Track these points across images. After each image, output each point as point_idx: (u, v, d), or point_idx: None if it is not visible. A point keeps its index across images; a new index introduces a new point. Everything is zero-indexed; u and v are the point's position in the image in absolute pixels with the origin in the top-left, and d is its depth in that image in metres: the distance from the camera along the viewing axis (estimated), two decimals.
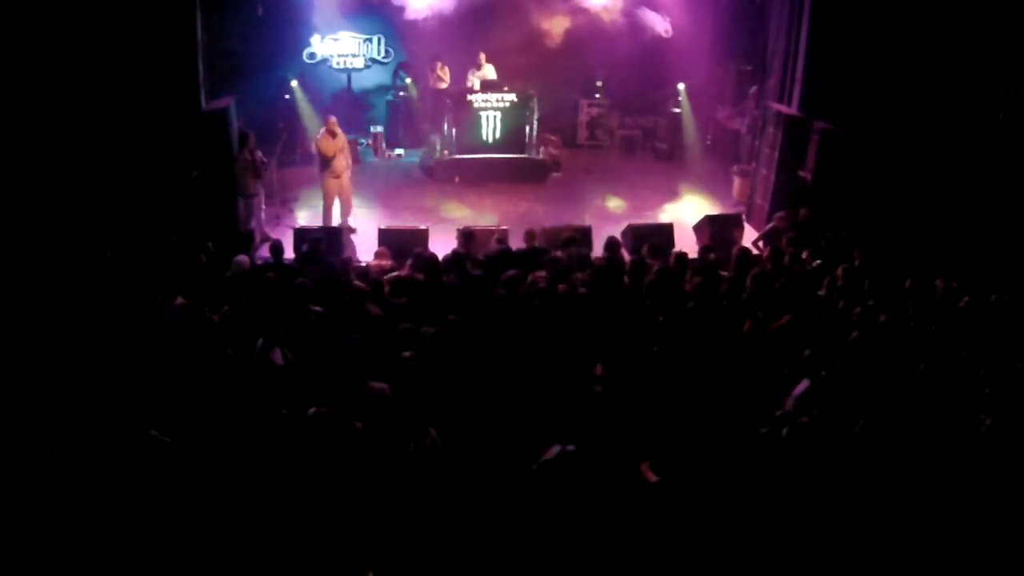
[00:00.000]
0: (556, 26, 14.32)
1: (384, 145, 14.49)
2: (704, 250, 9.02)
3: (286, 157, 13.19)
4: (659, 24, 13.97)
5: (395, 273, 8.06)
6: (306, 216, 11.69)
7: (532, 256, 8.58)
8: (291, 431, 5.17)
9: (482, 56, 13.92)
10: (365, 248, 9.93)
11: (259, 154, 10.68)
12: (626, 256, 9.17)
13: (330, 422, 5.12)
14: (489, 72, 13.94)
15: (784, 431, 5.19)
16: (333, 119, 11.09)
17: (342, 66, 14.68)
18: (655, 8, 14.12)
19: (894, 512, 4.76)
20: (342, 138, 11.15)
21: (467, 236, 8.92)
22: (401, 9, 13.75)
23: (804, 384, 5.90)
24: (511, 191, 12.91)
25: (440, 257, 8.40)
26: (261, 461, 4.96)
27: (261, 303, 6.98)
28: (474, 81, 13.79)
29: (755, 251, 9.73)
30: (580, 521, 4.65)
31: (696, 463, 5.05)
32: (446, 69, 14.31)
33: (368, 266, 8.71)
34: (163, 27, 9.33)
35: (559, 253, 8.55)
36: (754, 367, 6.32)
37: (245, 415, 5.28)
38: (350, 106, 14.89)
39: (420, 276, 7.70)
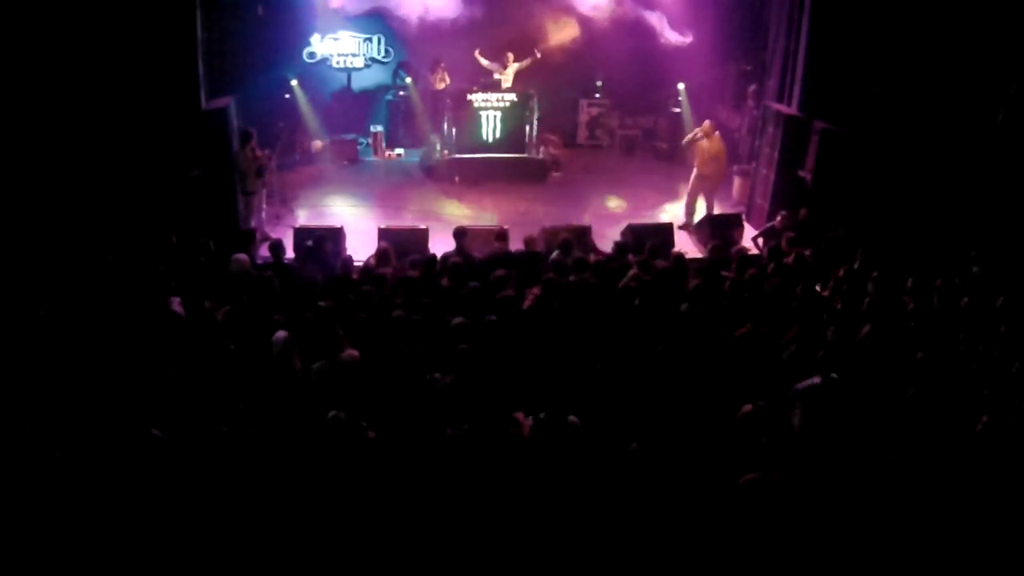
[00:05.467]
0: (556, 26, 14.34)
1: (384, 145, 14.50)
2: (714, 250, 8.99)
3: (286, 157, 13.20)
4: (666, 30, 14.00)
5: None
6: (306, 216, 11.70)
7: (530, 260, 8.57)
8: (302, 433, 5.17)
9: (509, 56, 13.79)
10: (367, 248, 9.92)
11: (263, 152, 10.70)
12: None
13: (345, 428, 5.10)
14: (509, 74, 13.81)
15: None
16: (710, 122, 11.61)
17: (342, 65, 14.71)
18: (656, 9, 14.14)
19: (891, 509, 4.77)
20: (717, 141, 11.53)
21: (460, 234, 8.88)
22: (401, 10, 13.77)
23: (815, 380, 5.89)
24: (511, 191, 12.91)
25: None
26: (263, 461, 4.96)
27: (262, 301, 6.98)
28: (500, 78, 13.73)
29: (754, 249, 9.75)
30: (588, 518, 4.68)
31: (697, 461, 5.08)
32: (446, 74, 14.29)
33: (367, 264, 8.69)
34: (163, 26, 9.33)
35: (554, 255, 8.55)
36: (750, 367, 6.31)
37: (251, 416, 5.29)
38: (350, 106, 14.91)
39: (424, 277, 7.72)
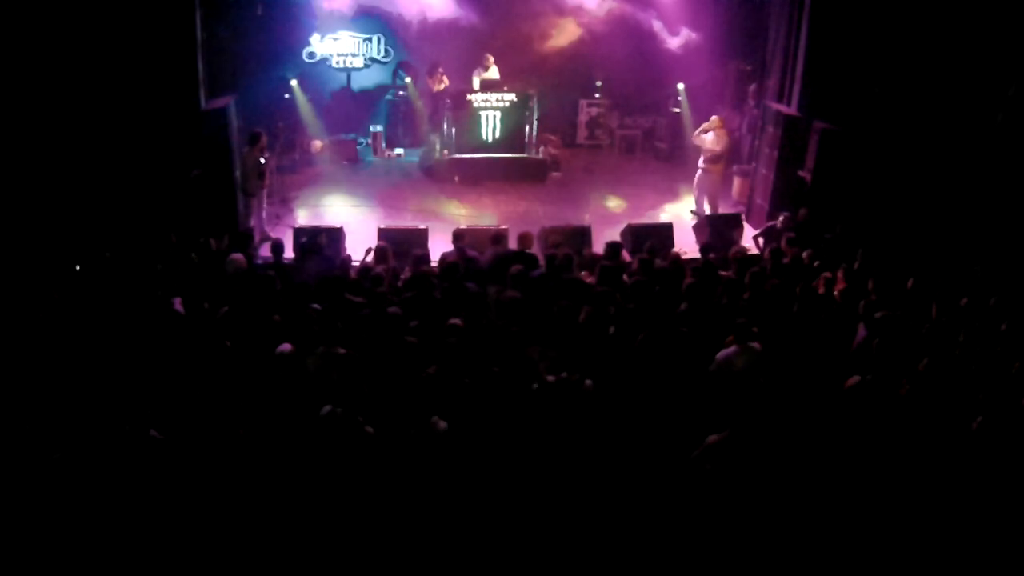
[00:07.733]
0: (556, 27, 14.33)
1: (384, 144, 14.50)
2: (704, 249, 9.01)
3: (286, 157, 13.20)
4: (665, 31, 14.02)
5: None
6: (306, 216, 11.70)
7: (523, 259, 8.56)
8: (299, 430, 5.18)
9: (489, 57, 13.90)
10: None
11: (266, 154, 10.72)
12: (626, 256, 9.17)
13: (342, 422, 5.11)
14: (493, 74, 13.92)
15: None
16: (718, 117, 11.85)
17: (341, 65, 14.70)
18: (655, 9, 14.15)
19: (887, 507, 4.78)
20: (724, 136, 11.80)
21: (458, 236, 8.86)
22: (400, 10, 13.75)
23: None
24: (511, 191, 12.91)
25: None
26: (263, 460, 4.97)
27: (262, 301, 6.98)
28: (478, 81, 13.78)
29: (754, 249, 9.75)
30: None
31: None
32: (445, 77, 14.30)
33: (366, 264, 8.70)
34: (163, 26, 9.34)
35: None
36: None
37: (255, 415, 5.30)
38: (349, 105, 14.91)
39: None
